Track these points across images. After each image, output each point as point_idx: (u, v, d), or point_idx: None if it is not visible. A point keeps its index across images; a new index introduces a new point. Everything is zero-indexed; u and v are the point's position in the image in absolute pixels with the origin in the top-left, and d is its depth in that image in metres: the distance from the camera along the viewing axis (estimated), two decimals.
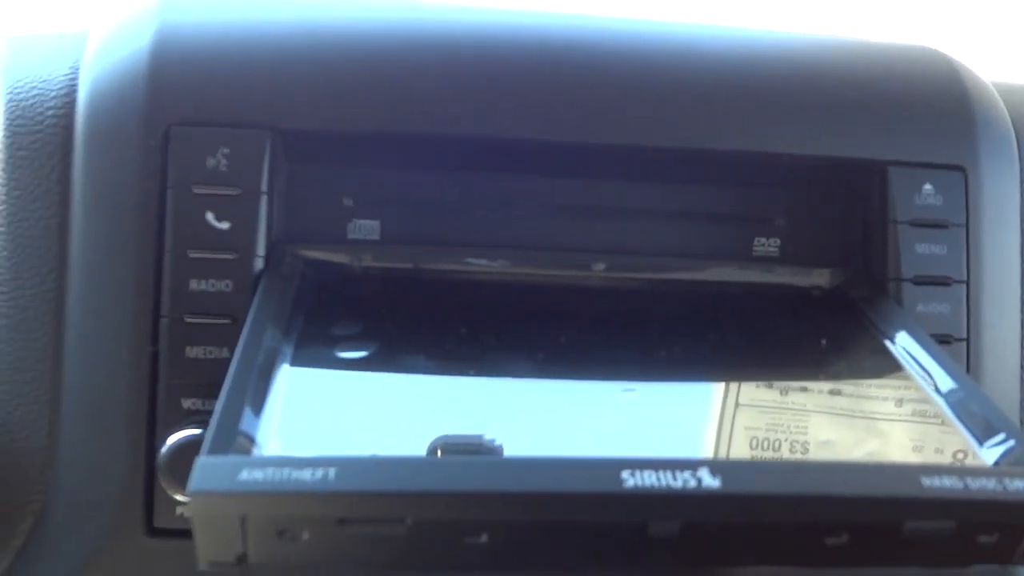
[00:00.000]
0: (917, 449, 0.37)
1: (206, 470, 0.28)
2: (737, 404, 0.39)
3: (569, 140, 0.43)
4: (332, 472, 0.28)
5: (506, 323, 0.42)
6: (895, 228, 0.45)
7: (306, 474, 0.28)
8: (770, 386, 0.40)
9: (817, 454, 0.36)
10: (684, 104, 0.44)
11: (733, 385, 0.40)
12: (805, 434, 0.38)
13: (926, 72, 0.48)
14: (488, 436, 0.33)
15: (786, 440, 0.37)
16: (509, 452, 0.33)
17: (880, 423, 0.38)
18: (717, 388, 0.40)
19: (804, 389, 0.40)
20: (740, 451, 0.37)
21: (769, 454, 0.36)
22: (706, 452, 0.36)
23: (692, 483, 0.29)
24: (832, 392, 0.40)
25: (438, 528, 0.28)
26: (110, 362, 0.40)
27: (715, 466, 0.29)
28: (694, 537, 0.30)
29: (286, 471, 0.28)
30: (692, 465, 0.29)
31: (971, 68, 0.50)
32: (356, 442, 0.33)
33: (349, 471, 0.28)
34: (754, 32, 0.49)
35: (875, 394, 0.40)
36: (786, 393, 0.40)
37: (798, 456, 0.37)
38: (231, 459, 0.29)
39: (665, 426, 0.37)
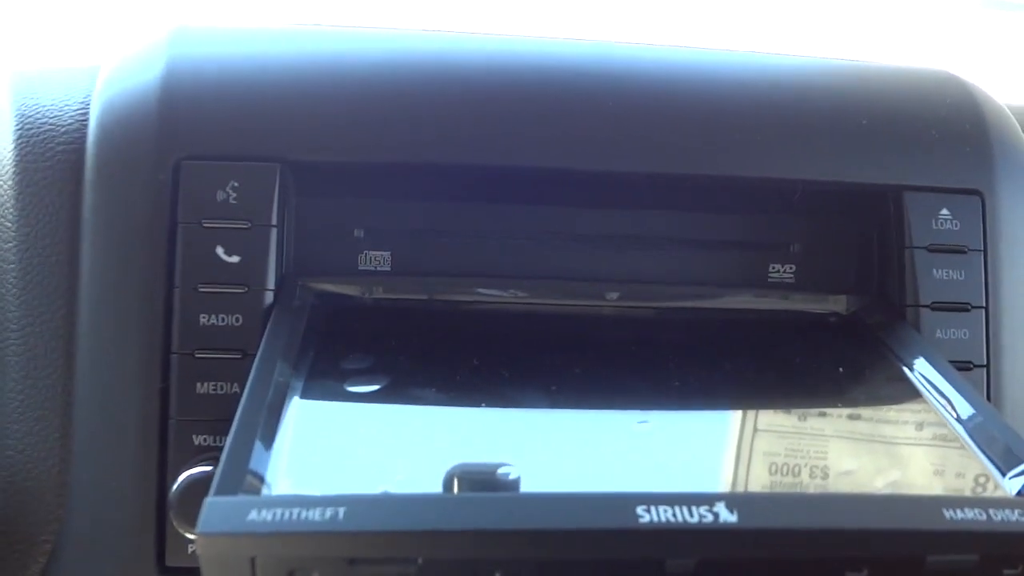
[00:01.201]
0: (938, 473, 0.36)
1: (215, 511, 0.27)
2: (756, 430, 0.38)
3: (582, 168, 0.43)
4: (341, 512, 0.27)
5: (519, 354, 0.41)
6: (912, 254, 0.44)
7: (315, 514, 0.27)
8: (788, 412, 0.39)
9: (837, 480, 0.36)
10: (699, 131, 0.44)
11: (751, 412, 0.39)
12: (825, 459, 0.37)
13: (941, 96, 0.48)
14: (502, 470, 0.33)
15: (806, 466, 0.36)
16: (524, 485, 0.33)
17: (900, 448, 0.37)
18: (734, 415, 0.40)
19: (823, 414, 0.40)
20: (759, 477, 0.36)
21: (789, 479, 0.36)
22: (725, 480, 0.36)
23: (709, 518, 0.28)
24: (851, 417, 0.39)
25: (450, 567, 0.28)
26: (121, 399, 0.40)
27: (732, 500, 0.29)
28: (712, 572, 0.29)
29: (295, 511, 0.27)
30: (709, 500, 0.29)
31: (986, 91, 0.49)
32: (368, 478, 0.32)
33: (359, 510, 0.27)
34: (768, 57, 0.49)
35: (894, 418, 0.39)
36: (805, 418, 0.39)
37: (818, 481, 0.36)
38: (240, 499, 0.28)
39: (682, 456, 0.36)
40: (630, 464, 0.35)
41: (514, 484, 0.32)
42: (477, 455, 0.34)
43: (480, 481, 0.33)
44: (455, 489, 0.32)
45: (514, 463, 0.33)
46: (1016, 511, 0.30)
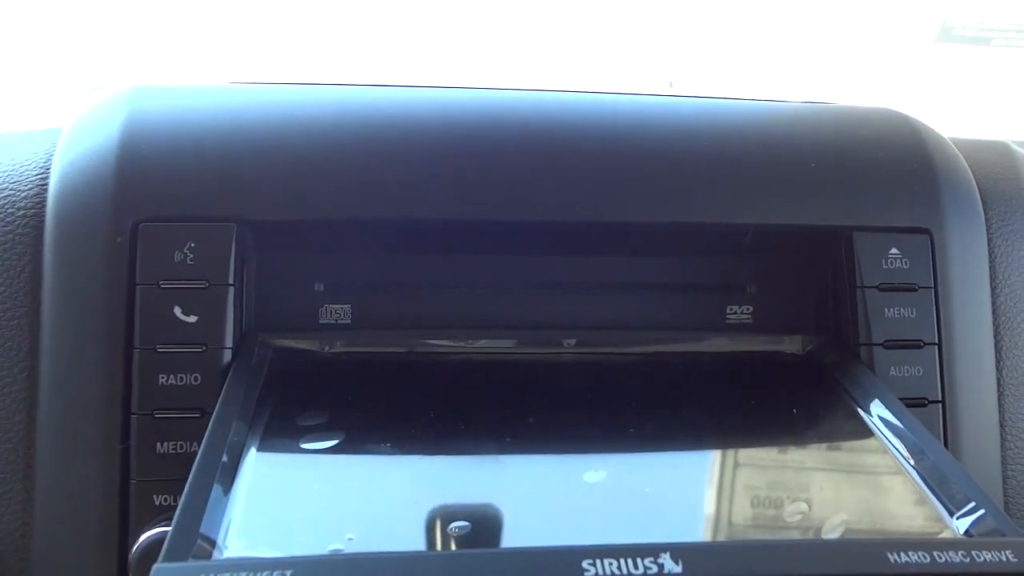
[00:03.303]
0: (888, 514, 0.36)
1: None
2: (709, 474, 0.39)
3: (537, 219, 0.44)
4: (289, 574, 0.27)
5: (475, 405, 0.42)
6: (863, 293, 0.45)
7: None
8: (741, 455, 0.40)
9: (787, 521, 0.36)
10: (648, 178, 0.45)
11: (704, 456, 0.40)
12: (776, 501, 0.37)
13: (888, 135, 0.49)
14: (454, 525, 0.33)
15: (757, 508, 0.37)
16: (476, 541, 0.33)
17: (851, 488, 0.38)
18: (687, 460, 0.40)
19: (776, 456, 0.40)
20: (709, 523, 0.36)
21: (739, 523, 0.36)
22: (674, 527, 0.36)
23: (654, 570, 0.29)
24: (803, 458, 0.40)
25: None
26: (82, 460, 0.40)
27: (677, 551, 0.29)
28: None
29: (243, 575, 0.27)
30: (653, 551, 0.29)
31: (932, 128, 0.50)
32: (320, 537, 0.33)
33: (305, 573, 0.28)
34: (715, 102, 0.50)
35: (846, 459, 0.40)
36: (758, 461, 0.40)
37: (768, 524, 0.36)
38: (188, 565, 0.29)
39: (634, 504, 0.36)
40: (583, 514, 0.35)
41: (467, 539, 0.33)
42: (430, 510, 0.34)
43: (432, 537, 0.33)
44: (407, 545, 0.33)
45: (467, 518, 0.33)
46: (960, 552, 0.30)
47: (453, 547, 0.32)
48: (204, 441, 0.35)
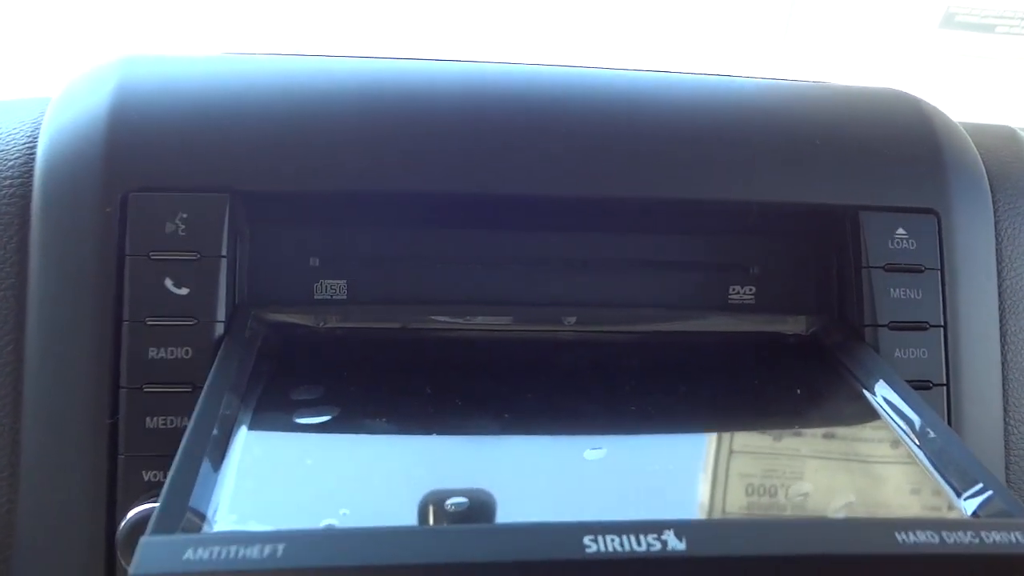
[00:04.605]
0: (894, 495, 0.36)
1: (150, 551, 0.27)
2: (712, 453, 0.38)
3: (538, 193, 0.43)
4: (280, 548, 0.27)
5: (473, 381, 0.41)
6: (869, 273, 0.44)
7: (254, 551, 0.27)
8: (745, 434, 0.39)
9: (793, 502, 0.35)
10: (651, 154, 0.44)
11: (707, 435, 0.39)
12: (781, 481, 0.36)
13: (895, 115, 0.48)
14: (451, 501, 0.32)
15: (761, 488, 0.36)
16: (474, 517, 0.32)
17: (857, 469, 0.37)
18: (689, 439, 0.39)
19: (780, 436, 0.39)
20: (713, 502, 0.35)
21: (744, 503, 0.35)
22: (677, 505, 0.35)
23: (657, 546, 0.28)
24: (808, 438, 0.39)
25: None
26: (69, 435, 0.39)
27: (681, 528, 0.28)
28: None
29: (233, 548, 0.27)
30: (657, 528, 0.28)
31: (941, 110, 0.50)
32: (314, 511, 0.32)
33: (298, 546, 0.27)
34: (722, 80, 0.49)
35: (851, 439, 0.39)
36: (761, 441, 0.39)
37: (773, 504, 0.35)
38: (176, 538, 0.28)
39: (636, 482, 0.36)
40: (583, 492, 0.34)
41: (463, 516, 0.32)
42: (426, 486, 0.33)
43: (428, 513, 0.32)
44: (403, 521, 0.32)
45: (464, 494, 0.33)
46: (969, 533, 0.29)
47: (450, 523, 0.31)
48: (194, 414, 0.34)
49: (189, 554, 0.26)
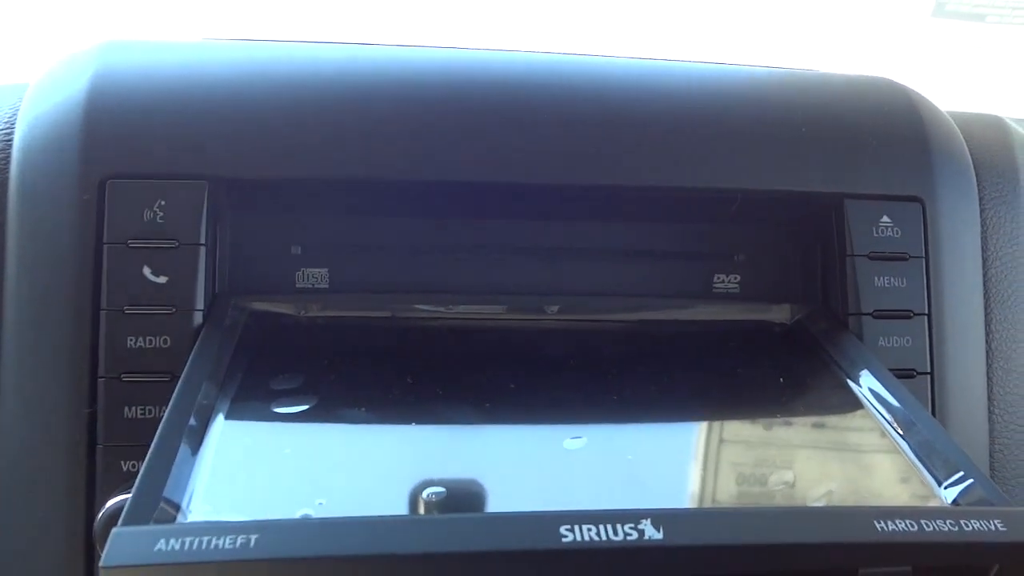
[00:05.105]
0: (875, 483, 0.36)
1: (121, 541, 0.27)
2: (693, 442, 0.38)
3: (521, 181, 0.43)
4: (253, 539, 0.26)
5: (454, 371, 0.41)
6: (853, 261, 0.44)
7: (226, 542, 0.26)
8: (727, 423, 0.39)
9: (774, 491, 0.35)
10: (638, 142, 0.43)
11: (689, 424, 0.39)
12: (762, 470, 0.36)
13: (881, 102, 0.48)
14: (428, 491, 0.32)
15: (742, 477, 0.36)
16: (451, 507, 0.32)
17: (838, 457, 0.37)
18: (671, 428, 0.39)
19: (762, 425, 0.39)
20: (692, 490, 0.35)
21: (724, 492, 0.35)
22: (656, 494, 0.35)
23: (634, 536, 0.28)
24: (790, 427, 0.39)
25: None
26: (47, 425, 0.39)
27: (658, 517, 0.28)
28: None
29: (206, 539, 0.26)
30: (634, 517, 0.28)
31: (927, 98, 0.49)
32: (289, 501, 0.31)
33: (272, 537, 0.27)
34: (709, 67, 0.49)
35: (834, 428, 0.39)
36: (744, 429, 0.39)
37: (754, 493, 0.35)
38: (148, 529, 0.27)
39: (615, 471, 0.35)
40: (563, 481, 0.34)
41: (441, 505, 0.32)
42: (405, 476, 0.33)
43: (406, 503, 0.32)
44: (380, 511, 0.32)
45: (442, 484, 0.32)
46: (948, 521, 0.29)
47: (428, 513, 0.31)
48: (171, 403, 0.34)
49: (161, 545, 0.26)
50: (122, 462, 0.38)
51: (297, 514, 0.30)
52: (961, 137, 0.49)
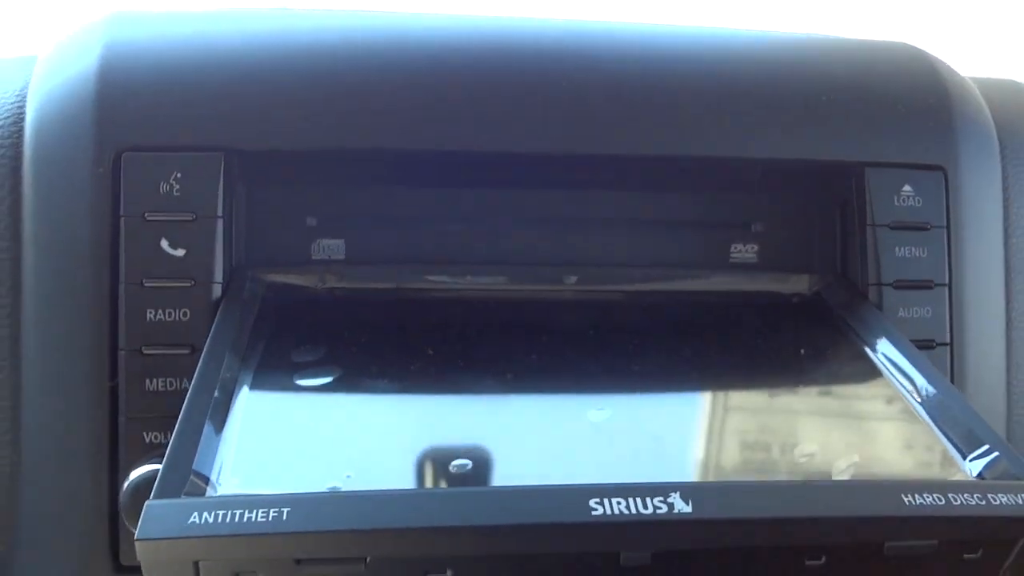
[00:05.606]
0: (899, 456, 0.36)
1: (155, 514, 0.27)
2: (716, 413, 0.38)
3: (538, 151, 0.42)
4: (286, 512, 0.27)
5: (475, 342, 0.40)
6: (874, 231, 0.44)
7: (259, 515, 0.26)
8: (749, 394, 0.39)
9: (798, 462, 0.35)
10: (656, 110, 0.43)
11: (710, 395, 0.39)
12: (786, 441, 0.36)
13: (904, 70, 0.47)
14: (456, 463, 0.32)
15: (767, 448, 0.36)
16: (478, 479, 0.32)
17: (862, 429, 0.37)
18: (693, 398, 0.39)
19: (784, 396, 0.39)
20: (718, 462, 0.35)
21: (749, 463, 0.35)
22: (683, 465, 0.35)
23: (663, 509, 0.28)
24: (813, 398, 0.39)
25: (399, 566, 0.27)
26: (70, 398, 0.39)
27: (687, 490, 0.28)
28: (669, 563, 0.29)
29: (238, 512, 0.27)
30: (663, 490, 0.28)
31: (950, 65, 0.49)
32: (318, 474, 0.32)
33: (304, 510, 0.27)
34: (726, 32, 0.48)
35: (856, 400, 0.39)
36: (766, 400, 0.39)
37: (779, 464, 0.35)
38: (181, 502, 0.28)
39: (641, 442, 0.35)
40: (588, 453, 0.34)
41: (468, 478, 0.32)
42: (430, 448, 0.33)
43: (432, 475, 0.32)
44: (407, 484, 0.32)
45: (468, 456, 0.32)
46: (975, 495, 0.29)
47: (454, 485, 0.31)
48: (195, 376, 0.34)
49: (194, 518, 0.26)
50: (145, 434, 0.38)
51: (326, 487, 0.30)
52: (984, 105, 0.48)
